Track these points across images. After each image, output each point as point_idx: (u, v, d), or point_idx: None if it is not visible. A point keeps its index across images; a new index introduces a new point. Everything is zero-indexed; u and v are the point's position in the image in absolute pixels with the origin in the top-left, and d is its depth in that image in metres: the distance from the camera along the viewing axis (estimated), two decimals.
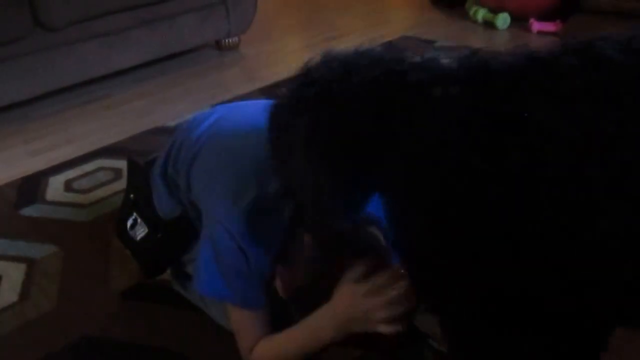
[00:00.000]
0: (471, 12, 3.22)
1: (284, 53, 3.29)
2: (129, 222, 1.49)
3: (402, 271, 1.05)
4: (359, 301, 1.09)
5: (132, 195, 1.54)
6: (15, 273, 1.73)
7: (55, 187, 2.14)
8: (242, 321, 1.26)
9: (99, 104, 2.78)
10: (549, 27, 2.95)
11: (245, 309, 1.24)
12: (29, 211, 2.02)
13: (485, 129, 0.76)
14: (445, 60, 0.85)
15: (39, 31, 2.61)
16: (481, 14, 3.16)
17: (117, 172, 2.15)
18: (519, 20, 3.08)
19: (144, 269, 1.55)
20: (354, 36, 3.33)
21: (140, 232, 1.47)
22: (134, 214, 1.49)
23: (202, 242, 1.25)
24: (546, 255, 0.75)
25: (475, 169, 0.75)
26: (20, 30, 2.55)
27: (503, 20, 3.08)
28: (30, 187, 2.16)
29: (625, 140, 0.68)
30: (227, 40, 3.24)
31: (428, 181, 0.81)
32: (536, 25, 2.97)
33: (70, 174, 2.22)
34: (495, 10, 3.11)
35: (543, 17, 2.98)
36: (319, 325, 1.17)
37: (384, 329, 1.07)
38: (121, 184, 1.99)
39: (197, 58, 3.19)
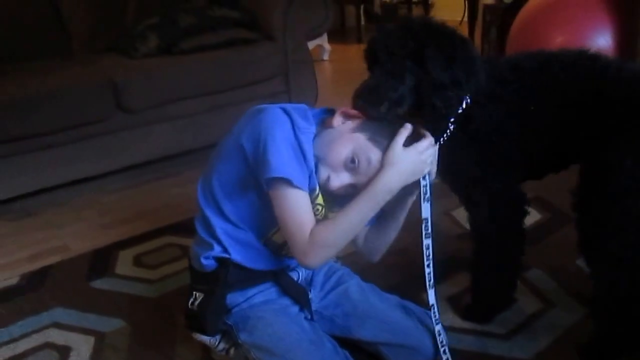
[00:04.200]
0: None
1: None
2: (190, 302, 1.45)
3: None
4: (416, 157, 1.31)
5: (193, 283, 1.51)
6: (84, 346, 1.70)
7: (124, 261, 2.13)
8: (299, 205, 1.27)
9: (170, 181, 2.81)
10: None
11: (300, 190, 1.26)
12: (99, 284, 2.00)
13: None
14: None
15: (119, 113, 2.70)
16: None
17: (184, 250, 2.14)
18: None
19: (207, 328, 1.45)
20: None
21: (198, 301, 1.43)
22: (194, 293, 1.46)
23: (263, 136, 1.27)
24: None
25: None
26: (103, 112, 2.65)
27: None
28: (101, 259, 2.16)
29: None
30: None
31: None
32: None
33: (140, 248, 2.21)
34: None
35: None
36: (376, 188, 1.28)
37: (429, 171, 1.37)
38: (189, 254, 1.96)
39: None
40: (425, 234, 1.44)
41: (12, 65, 2.81)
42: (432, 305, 1.45)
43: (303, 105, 1.39)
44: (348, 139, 1.32)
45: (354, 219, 1.30)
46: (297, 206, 1.27)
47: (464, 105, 1.38)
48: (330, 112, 1.43)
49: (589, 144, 1.36)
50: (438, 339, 1.44)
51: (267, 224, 1.39)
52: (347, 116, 1.36)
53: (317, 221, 1.31)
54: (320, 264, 1.35)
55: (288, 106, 1.33)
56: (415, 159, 1.31)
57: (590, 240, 1.39)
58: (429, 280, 1.45)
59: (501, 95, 1.39)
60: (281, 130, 1.27)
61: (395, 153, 1.29)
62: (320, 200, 1.36)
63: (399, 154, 1.29)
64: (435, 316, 1.45)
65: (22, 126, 2.45)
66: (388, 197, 1.31)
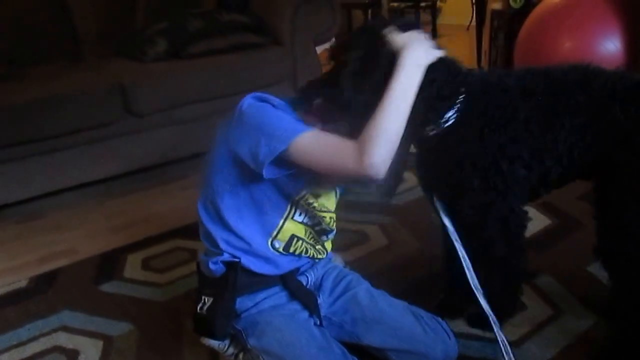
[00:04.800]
0: None
1: None
2: (199, 307, 1.45)
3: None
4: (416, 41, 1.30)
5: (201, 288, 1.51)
6: (92, 350, 1.69)
7: (133, 265, 2.13)
8: (324, 138, 1.26)
9: (176, 185, 2.81)
10: None
11: (313, 132, 1.26)
12: (107, 287, 2.00)
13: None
14: None
15: (127, 117, 2.70)
16: None
17: (192, 253, 2.13)
18: None
19: (216, 332, 1.44)
20: None
21: (207, 305, 1.43)
22: (202, 297, 1.45)
23: (244, 136, 1.28)
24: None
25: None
26: (112, 116, 2.65)
27: None
28: (109, 263, 2.15)
29: None
30: None
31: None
32: None
33: (148, 252, 2.21)
34: None
35: None
36: (399, 78, 1.25)
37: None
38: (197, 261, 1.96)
39: None
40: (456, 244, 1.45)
41: (23, 69, 2.82)
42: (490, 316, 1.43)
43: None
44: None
45: (398, 96, 1.25)
46: (324, 138, 1.26)
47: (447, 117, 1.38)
48: (298, 102, 1.43)
49: (604, 157, 1.34)
50: (503, 348, 1.40)
51: (270, 220, 1.41)
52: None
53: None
54: (383, 163, 1.20)
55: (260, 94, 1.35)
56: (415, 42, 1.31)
57: (609, 245, 1.38)
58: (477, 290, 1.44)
59: (510, 119, 1.36)
60: (266, 112, 1.30)
61: (402, 37, 1.31)
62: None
63: (405, 36, 1.31)
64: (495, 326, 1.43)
65: (31, 129, 2.46)
66: (420, 70, 1.29)
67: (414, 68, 1.27)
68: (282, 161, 1.26)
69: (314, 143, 1.25)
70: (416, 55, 1.28)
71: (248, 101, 1.32)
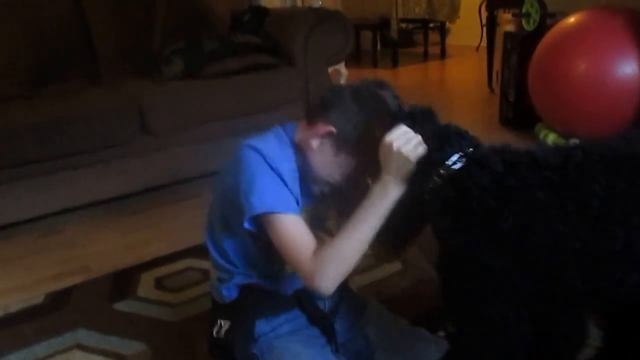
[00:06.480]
0: (541, 136, 3.15)
1: None
2: (215, 330, 1.43)
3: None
4: (399, 150, 1.17)
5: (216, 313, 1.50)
6: None
7: (146, 284, 2.12)
8: (293, 229, 1.24)
9: (189, 203, 2.80)
10: None
11: (291, 214, 1.24)
12: (121, 306, 1.99)
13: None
14: None
15: (142, 135, 2.71)
16: (551, 137, 3.08)
17: (205, 273, 2.11)
18: None
19: (237, 355, 1.41)
20: None
21: (224, 328, 1.41)
22: (218, 320, 1.44)
23: (240, 179, 1.26)
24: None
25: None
26: (128, 134, 2.66)
27: None
28: (123, 281, 2.14)
29: None
30: None
31: None
32: None
33: (161, 271, 2.20)
34: (565, 136, 3.01)
35: None
36: (371, 197, 1.20)
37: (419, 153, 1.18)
38: (209, 286, 1.94)
39: None
40: None
41: (42, 88, 2.84)
42: None
43: (275, 128, 1.36)
44: (333, 164, 1.31)
45: (361, 230, 1.21)
46: (292, 232, 1.24)
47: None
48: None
49: None
50: None
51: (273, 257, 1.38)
52: (322, 136, 1.30)
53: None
54: (332, 286, 1.21)
55: (256, 141, 1.28)
56: (392, 153, 1.17)
57: None
58: None
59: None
60: (253, 168, 1.25)
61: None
62: None
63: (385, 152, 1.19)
64: None
65: (49, 147, 2.48)
66: (389, 203, 1.20)
67: (389, 197, 1.19)
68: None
69: (281, 230, 1.24)
70: (393, 190, 1.19)
71: (244, 150, 1.28)
